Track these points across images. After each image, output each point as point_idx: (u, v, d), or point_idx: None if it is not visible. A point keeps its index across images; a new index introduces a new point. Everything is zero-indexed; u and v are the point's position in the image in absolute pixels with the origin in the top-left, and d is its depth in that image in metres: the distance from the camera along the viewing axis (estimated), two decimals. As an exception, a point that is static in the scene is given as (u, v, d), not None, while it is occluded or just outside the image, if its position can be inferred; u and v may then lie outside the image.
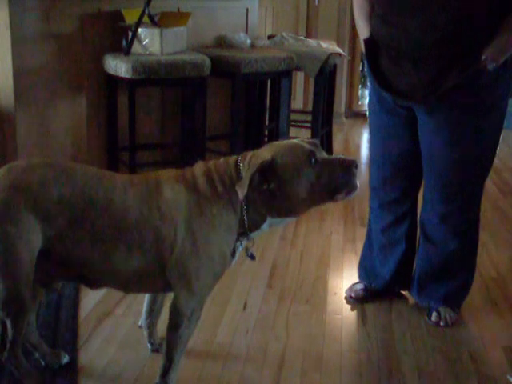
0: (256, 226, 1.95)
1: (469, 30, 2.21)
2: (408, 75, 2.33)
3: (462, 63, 2.24)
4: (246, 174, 1.82)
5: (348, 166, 1.87)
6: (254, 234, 1.98)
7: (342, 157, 1.91)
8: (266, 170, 1.83)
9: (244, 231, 1.94)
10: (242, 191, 1.81)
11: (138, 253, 1.87)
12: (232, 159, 1.95)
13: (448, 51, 2.24)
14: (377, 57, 2.43)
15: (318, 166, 1.86)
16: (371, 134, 2.70)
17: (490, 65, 2.21)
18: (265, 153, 1.88)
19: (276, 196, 1.87)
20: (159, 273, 1.91)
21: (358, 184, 1.89)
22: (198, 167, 1.96)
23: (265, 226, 1.96)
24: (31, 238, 1.83)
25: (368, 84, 2.66)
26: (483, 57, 2.20)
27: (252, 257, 2.08)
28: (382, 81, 2.42)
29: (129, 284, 1.98)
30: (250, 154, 1.93)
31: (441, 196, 2.50)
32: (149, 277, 1.93)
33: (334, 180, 1.86)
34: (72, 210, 1.85)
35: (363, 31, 2.50)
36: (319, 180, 1.85)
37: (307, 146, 1.88)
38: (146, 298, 2.26)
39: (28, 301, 1.89)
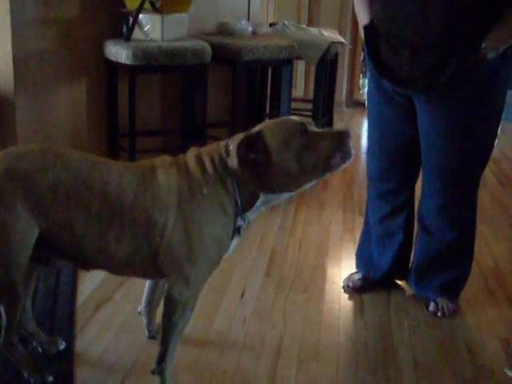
0: (250, 204, 1.91)
1: (471, 17, 2.19)
2: (408, 63, 2.31)
3: (461, 52, 2.22)
4: (233, 147, 1.81)
5: (340, 135, 1.84)
6: (249, 214, 1.94)
7: (334, 129, 1.89)
8: (253, 142, 1.82)
9: (238, 211, 1.91)
10: (232, 162, 1.81)
11: (129, 236, 1.86)
12: (223, 142, 1.94)
13: (448, 39, 2.22)
14: (376, 44, 2.41)
15: (308, 137, 1.83)
16: (369, 123, 2.68)
17: (489, 54, 2.19)
18: (254, 129, 1.89)
19: (267, 169, 1.84)
20: (150, 258, 1.90)
21: (352, 151, 1.84)
22: (191, 152, 1.96)
23: (259, 203, 1.92)
24: (24, 224, 1.82)
25: (367, 72, 2.66)
26: (483, 45, 2.19)
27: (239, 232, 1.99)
28: (381, 69, 2.41)
29: (120, 267, 1.97)
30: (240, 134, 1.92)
31: (438, 186, 2.50)
32: (140, 261, 1.91)
33: (326, 149, 1.82)
34: (67, 195, 1.84)
35: (363, 17, 2.49)
36: (309, 150, 1.82)
37: (297, 119, 1.88)
38: (147, 284, 2.26)
39: (20, 288, 1.89)
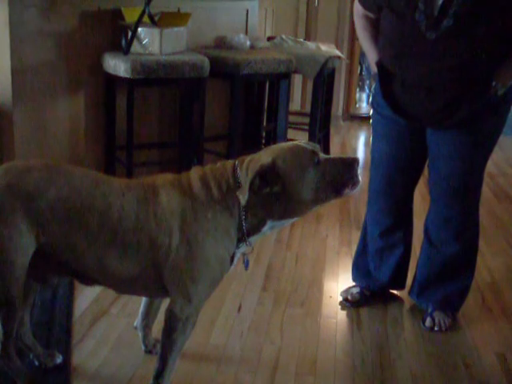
0: (256, 229, 1.92)
1: (479, 67, 2.25)
2: (421, 103, 2.36)
3: (474, 91, 2.29)
4: (246, 179, 1.81)
5: (350, 164, 1.89)
6: (253, 239, 1.96)
7: (343, 156, 1.93)
8: (267, 174, 1.81)
9: (242, 236, 1.92)
10: (243, 197, 1.79)
11: (132, 257, 1.86)
12: (229, 163, 1.93)
13: (459, 84, 2.28)
14: (389, 81, 2.44)
15: (322, 166, 1.86)
16: (374, 137, 2.69)
17: (500, 90, 2.28)
18: (264, 156, 1.87)
19: (280, 199, 1.85)
20: (154, 278, 1.90)
21: (360, 179, 1.90)
22: (194, 172, 1.94)
23: (266, 228, 1.93)
24: (23, 240, 1.83)
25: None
26: (494, 83, 2.26)
27: (247, 264, 2.05)
28: (395, 106, 2.45)
29: (122, 286, 1.98)
30: (248, 158, 1.91)
31: (446, 199, 2.54)
32: (143, 281, 1.93)
33: (338, 178, 1.86)
34: (68, 212, 1.84)
35: (371, 53, 2.53)
36: (324, 179, 1.86)
37: (308, 147, 1.88)
38: (143, 299, 2.26)
39: (18, 302, 1.89)
